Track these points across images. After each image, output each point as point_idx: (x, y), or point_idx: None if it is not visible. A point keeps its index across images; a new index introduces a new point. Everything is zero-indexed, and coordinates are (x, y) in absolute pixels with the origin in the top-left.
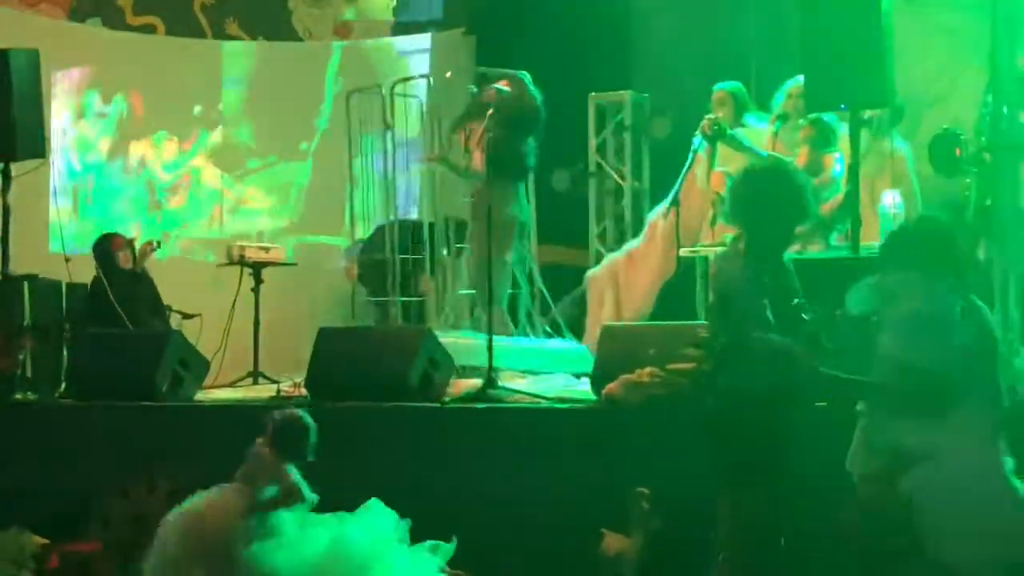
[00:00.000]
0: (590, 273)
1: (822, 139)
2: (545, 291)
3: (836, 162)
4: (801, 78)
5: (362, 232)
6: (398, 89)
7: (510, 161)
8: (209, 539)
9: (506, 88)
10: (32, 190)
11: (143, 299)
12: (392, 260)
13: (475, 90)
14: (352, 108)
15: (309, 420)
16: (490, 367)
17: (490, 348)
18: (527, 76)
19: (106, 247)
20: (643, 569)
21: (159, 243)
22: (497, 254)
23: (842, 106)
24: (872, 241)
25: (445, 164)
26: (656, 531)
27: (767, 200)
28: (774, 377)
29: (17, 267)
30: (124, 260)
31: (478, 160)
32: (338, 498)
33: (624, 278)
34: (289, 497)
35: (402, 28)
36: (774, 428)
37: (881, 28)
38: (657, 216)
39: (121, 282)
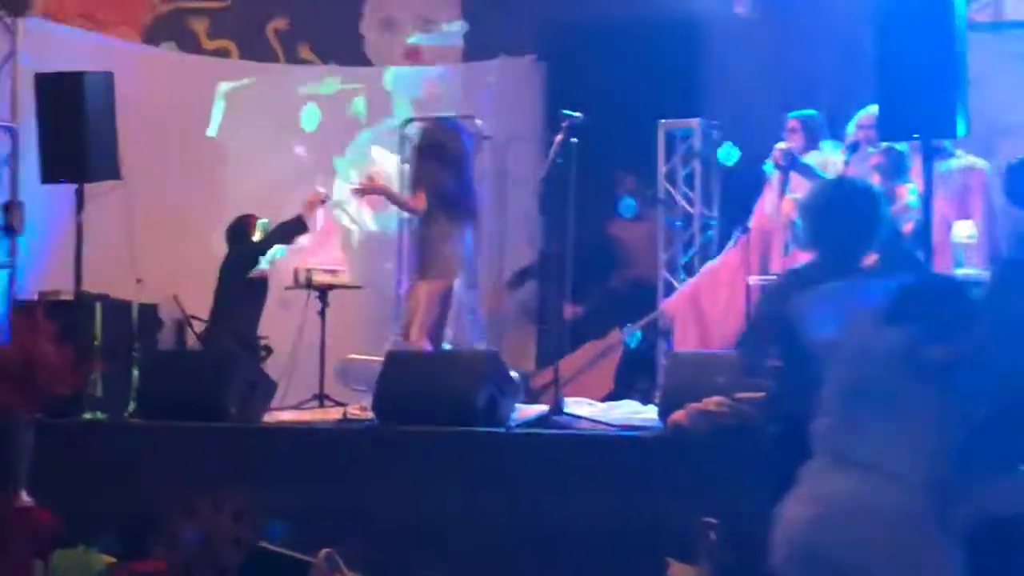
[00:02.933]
0: (666, 303)
1: (894, 168)
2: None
3: (909, 192)
4: (872, 107)
5: None
6: None
7: (443, 198)
8: None
9: (433, 128)
10: (107, 211)
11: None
12: None
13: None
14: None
15: None
16: (557, 393)
17: (556, 377)
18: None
19: (244, 223)
20: None
21: (328, 196)
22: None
23: (915, 136)
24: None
25: (383, 193)
26: (724, 563)
27: (836, 215)
28: None
29: (91, 288)
30: (254, 229)
31: (419, 198)
32: (404, 520)
33: (707, 302)
34: None
35: (472, 53)
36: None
37: (955, 56)
38: (735, 239)
39: (251, 256)
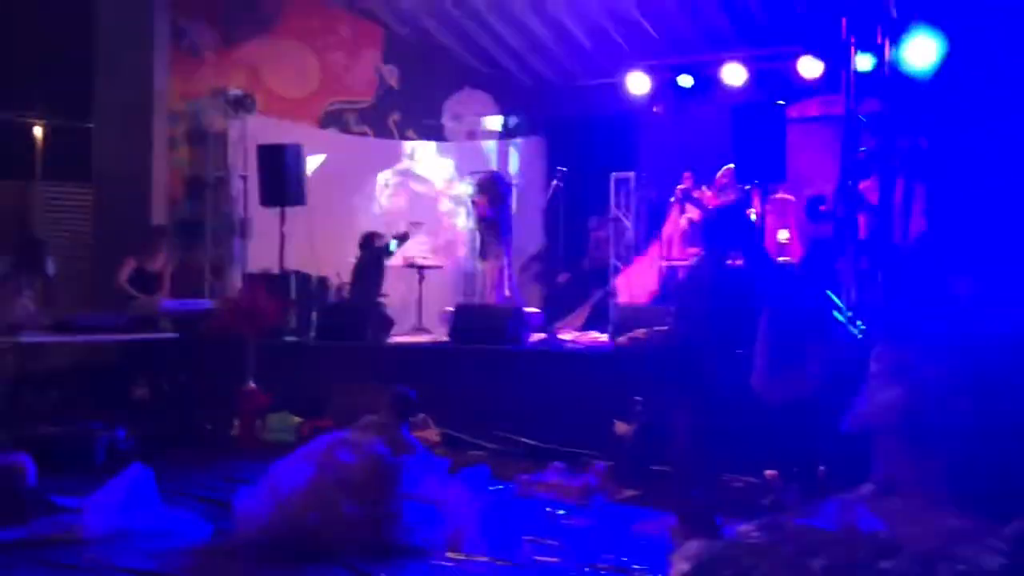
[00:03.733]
0: (615, 280)
1: (745, 199)
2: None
3: (752, 214)
4: (730, 164)
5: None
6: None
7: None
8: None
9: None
10: (298, 223)
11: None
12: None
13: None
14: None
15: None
16: (552, 328)
17: (551, 321)
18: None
19: (371, 235)
20: (637, 442)
21: (422, 223)
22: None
23: (755, 181)
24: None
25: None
26: (645, 421)
27: (715, 230)
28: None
29: (289, 266)
30: (379, 242)
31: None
32: (467, 398)
33: (635, 278)
34: (400, 448)
35: (505, 135)
36: (702, 369)
37: (781, 131)
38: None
39: (376, 256)
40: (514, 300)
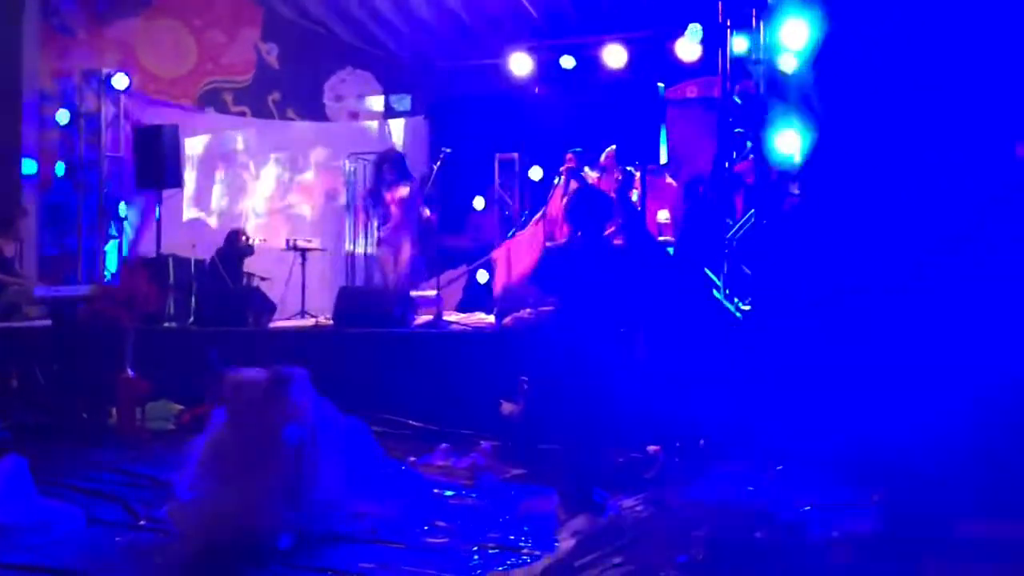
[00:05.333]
0: (493, 253)
1: (626, 181)
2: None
3: (634, 194)
4: (611, 147)
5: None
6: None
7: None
8: None
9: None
10: (175, 205)
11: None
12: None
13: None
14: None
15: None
16: (440, 310)
17: (440, 306)
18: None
19: (235, 232)
20: (523, 420)
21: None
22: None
23: (637, 162)
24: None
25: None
26: (530, 400)
27: (583, 208)
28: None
29: (166, 250)
30: (241, 240)
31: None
32: (351, 378)
33: (514, 254)
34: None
35: (387, 114)
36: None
37: (659, 116)
38: (535, 219)
39: (239, 251)
40: (432, 285)
